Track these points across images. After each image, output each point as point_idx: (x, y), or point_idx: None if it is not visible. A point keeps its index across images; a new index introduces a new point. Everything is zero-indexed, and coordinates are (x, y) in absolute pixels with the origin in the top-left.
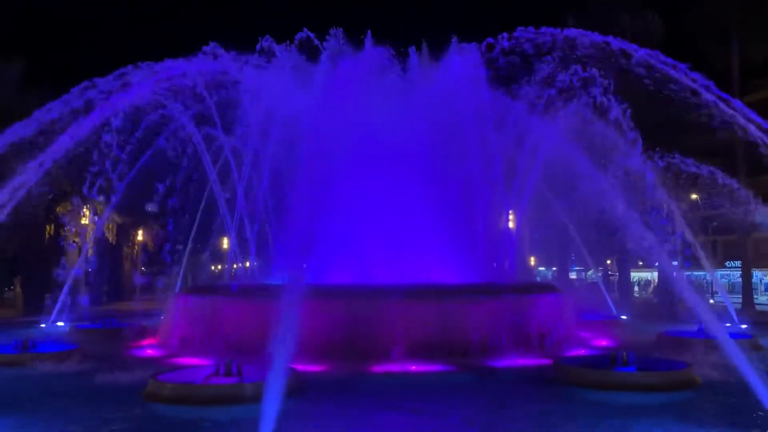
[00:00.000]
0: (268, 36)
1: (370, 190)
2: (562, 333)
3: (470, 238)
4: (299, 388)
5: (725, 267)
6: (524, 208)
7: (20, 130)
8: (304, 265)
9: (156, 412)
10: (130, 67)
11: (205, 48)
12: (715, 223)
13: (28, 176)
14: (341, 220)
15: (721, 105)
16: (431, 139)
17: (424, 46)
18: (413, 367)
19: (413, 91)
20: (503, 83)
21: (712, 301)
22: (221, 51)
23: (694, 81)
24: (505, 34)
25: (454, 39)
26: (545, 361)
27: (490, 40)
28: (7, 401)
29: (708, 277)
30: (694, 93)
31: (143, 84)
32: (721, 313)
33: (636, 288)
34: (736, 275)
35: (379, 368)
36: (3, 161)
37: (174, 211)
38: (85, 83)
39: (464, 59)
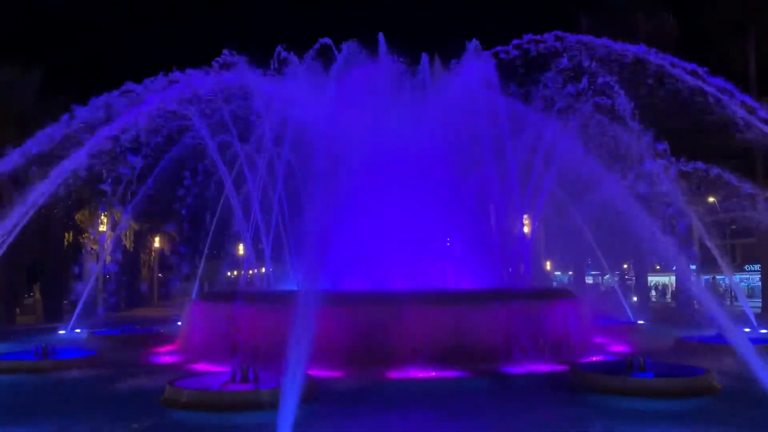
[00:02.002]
0: (282, 45)
1: (385, 196)
2: (579, 338)
3: (485, 243)
4: (315, 395)
5: (744, 271)
6: (539, 212)
7: (41, 141)
8: (320, 272)
9: (173, 418)
10: (154, 78)
11: (217, 55)
12: (733, 226)
13: (47, 185)
14: (357, 226)
15: (739, 108)
16: (445, 144)
17: (436, 52)
18: (429, 373)
19: (427, 98)
20: (517, 88)
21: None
22: (236, 59)
23: (722, 93)
24: (518, 40)
25: (467, 44)
26: (562, 367)
27: (504, 45)
28: (28, 408)
29: (726, 281)
30: (708, 94)
31: (160, 94)
32: (740, 318)
33: (653, 292)
34: (755, 279)
35: (395, 374)
36: (23, 169)
37: (189, 218)
38: (105, 94)
39: (477, 65)
